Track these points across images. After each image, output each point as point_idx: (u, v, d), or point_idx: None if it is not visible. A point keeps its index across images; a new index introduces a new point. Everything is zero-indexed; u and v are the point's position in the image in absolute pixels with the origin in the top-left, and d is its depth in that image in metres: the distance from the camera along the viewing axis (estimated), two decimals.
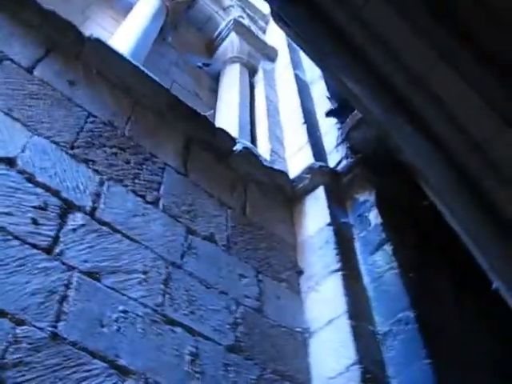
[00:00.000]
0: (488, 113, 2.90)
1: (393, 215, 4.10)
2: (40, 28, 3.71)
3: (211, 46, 7.01)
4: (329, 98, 5.08)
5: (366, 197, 4.22)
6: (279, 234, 4.09)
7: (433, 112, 3.17)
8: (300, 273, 3.90)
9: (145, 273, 2.94)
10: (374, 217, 4.04)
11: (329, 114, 5.13)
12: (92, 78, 3.79)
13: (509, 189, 2.91)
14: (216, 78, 6.46)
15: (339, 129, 4.91)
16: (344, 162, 4.56)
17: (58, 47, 3.74)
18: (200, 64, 6.28)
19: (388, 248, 3.78)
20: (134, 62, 4.02)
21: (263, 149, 4.99)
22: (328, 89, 5.33)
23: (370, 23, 3.24)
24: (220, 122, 5.19)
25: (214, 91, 6.15)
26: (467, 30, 2.90)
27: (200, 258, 3.32)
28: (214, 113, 5.49)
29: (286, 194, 4.44)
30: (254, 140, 5.30)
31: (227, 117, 5.29)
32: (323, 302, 3.59)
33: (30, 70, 3.43)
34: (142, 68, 4.06)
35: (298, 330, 3.49)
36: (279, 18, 3.92)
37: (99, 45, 3.89)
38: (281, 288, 3.68)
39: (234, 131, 5.01)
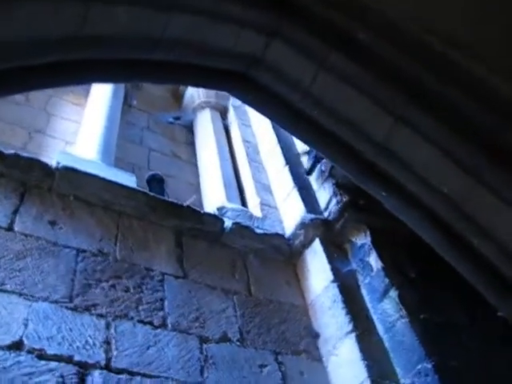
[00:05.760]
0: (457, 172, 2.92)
1: (392, 252, 4.16)
2: (9, 175, 3.77)
3: (177, 93, 6.96)
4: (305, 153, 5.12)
5: (363, 239, 4.28)
6: (287, 300, 4.19)
7: (402, 175, 3.20)
8: (316, 336, 4.01)
9: None
10: (374, 260, 4.12)
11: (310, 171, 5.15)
12: (70, 207, 3.86)
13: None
14: (190, 129, 6.44)
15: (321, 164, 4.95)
16: (334, 202, 4.61)
17: (30, 187, 3.80)
18: (171, 119, 6.25)
19: (393, 294, 3.86)
20: (105, 177, 4.03)
21: (253, 203, 5.04)
22: None
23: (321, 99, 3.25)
24: (206, 186, 5.27)
25: (192, 144, 6.15)
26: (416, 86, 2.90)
27: (219, 366, 3.43)
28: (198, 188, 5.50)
29: (285, 254, 4.51)
30: (242, 192, 5.35)
31: (211, 177, 5.33)
32: (344, 366, 3.73)
33: (10, 227, 3.50)
34: (114, 180, 4.09)
35: None
36: None
37: (68, 171, 3.92)
38: (302, 361, 3.80)
39: (220, 190, 5.08)
